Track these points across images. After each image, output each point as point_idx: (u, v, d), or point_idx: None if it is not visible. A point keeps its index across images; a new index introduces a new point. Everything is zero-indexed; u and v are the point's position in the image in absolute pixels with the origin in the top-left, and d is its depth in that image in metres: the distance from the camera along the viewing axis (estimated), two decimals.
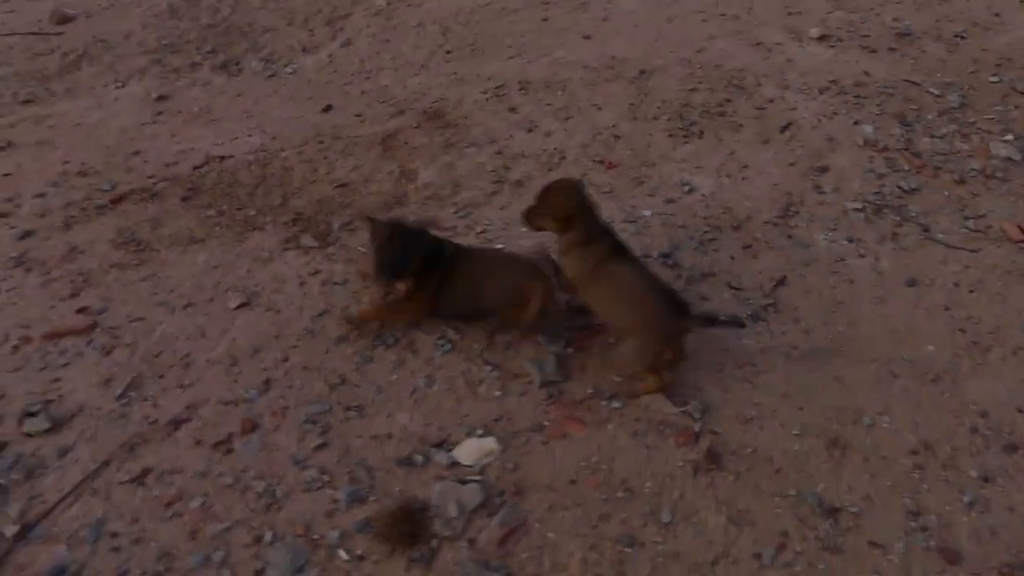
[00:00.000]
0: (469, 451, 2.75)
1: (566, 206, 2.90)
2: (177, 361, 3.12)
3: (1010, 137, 4.35)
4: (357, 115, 4.71)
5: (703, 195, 3.96)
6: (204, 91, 5.08)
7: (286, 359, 3.12)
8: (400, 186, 4.08)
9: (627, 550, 2.51)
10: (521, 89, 4.75)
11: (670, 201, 3.92)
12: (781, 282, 3.47)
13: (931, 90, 4.65)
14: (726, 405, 2.94)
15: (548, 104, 4.62)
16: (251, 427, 2.86)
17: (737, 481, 2.70)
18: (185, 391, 3.00)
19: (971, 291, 3.45)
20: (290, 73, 5.29)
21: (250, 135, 4.54)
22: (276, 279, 3.48)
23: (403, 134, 4.44)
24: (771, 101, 4.54)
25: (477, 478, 2.68)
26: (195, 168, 4.24)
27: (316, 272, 3.51)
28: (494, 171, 4.14)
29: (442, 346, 3.15)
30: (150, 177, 4.18)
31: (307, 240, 3.70)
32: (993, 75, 4.81)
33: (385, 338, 3.17)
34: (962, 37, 5.18)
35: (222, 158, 4.31)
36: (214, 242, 3.71)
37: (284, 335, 3.21)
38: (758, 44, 5.12)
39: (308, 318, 3.28)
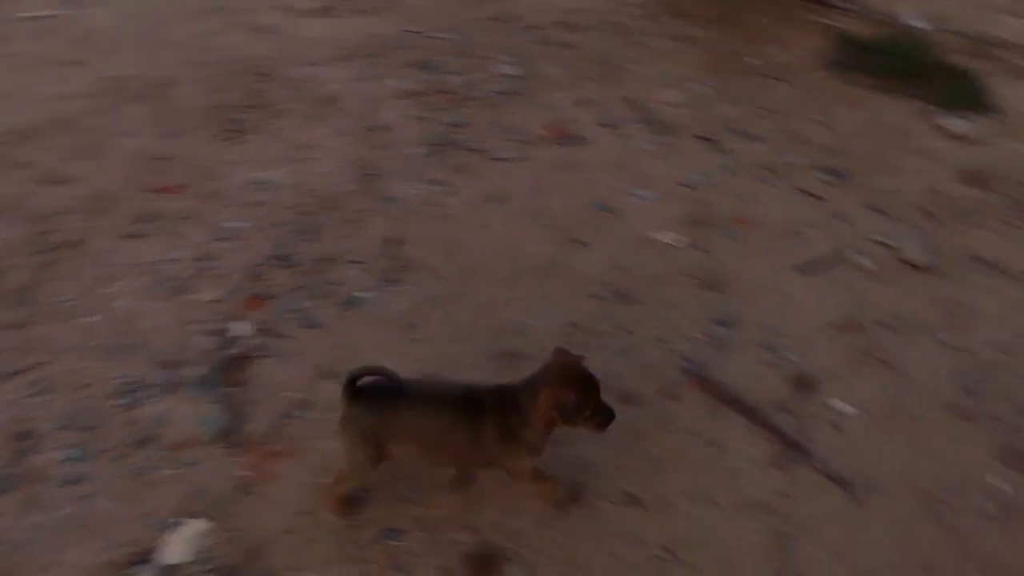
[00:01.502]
0: (179, 546, 2.36)
1: None
2: None
3: (513, 60, 4.99)
4: None
5: (282, 187, 3.83)
6: None
7: None
8: None
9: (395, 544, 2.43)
10: (21, 140, 4.00)
11: (254, 204, 3.71)
12: (397, 242, 3.56)
13: (435, 35, 5.08)
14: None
15: (64, 148, 3.98)
16: None
17: None
18: None
19: (541, 190, 3.94)
20: None
21: None
22: None
23: None
24: (304, 80, 4.52)
25: (206, 568, 2.32)
26: None
27: None
28: (35, 241, 3.46)
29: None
30: None
31: None
32: (488, 16, 5.45)
33: None
34: None
35: None
36: None
37: None
38: (260, 30, 5.03)
39: None
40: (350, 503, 2.51)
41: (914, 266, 3.66)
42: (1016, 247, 3.85)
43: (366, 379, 2.27)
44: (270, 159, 3.98)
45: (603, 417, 2.25)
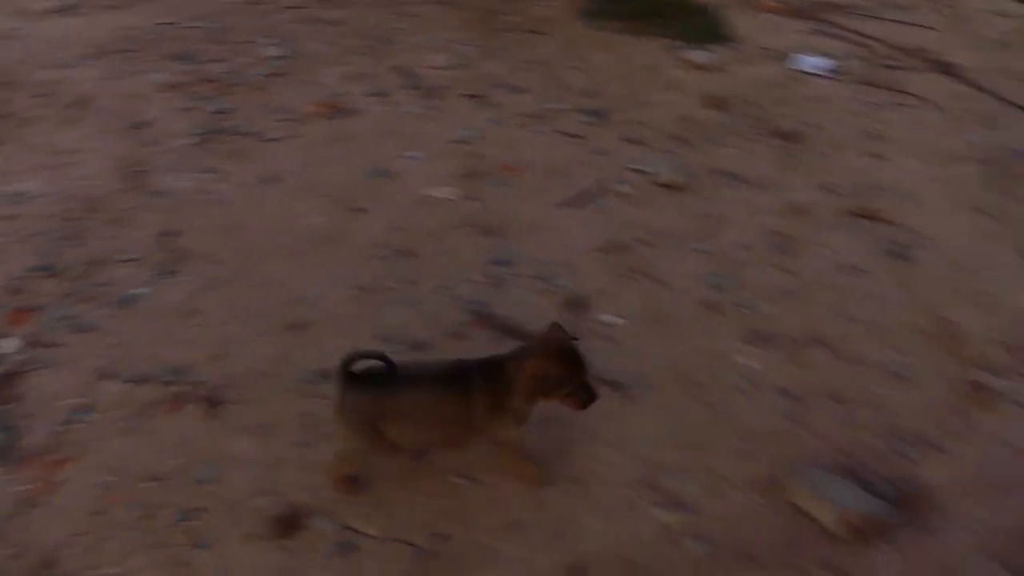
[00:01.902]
0: None
1: None
2: None
3: (276, 41, 4.96)
4: None
5: (39, 197, 3.65)
6: None
7: None
8: None
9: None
10: None
11: (7, 218, 3.53)
12: (172, 234, 3.50)
13: (192, 25, 4.95)
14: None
15: None
16: None
17: None
18: None
19: (311, 164, 3.98)
20: None
21: None
22: None
23: None
24: (53, 83, 4.30)
25: None
26: None
27: None
28: None
29: None
30: None
31: None
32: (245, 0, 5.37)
33: None
34: None
35: None
36: None
37: None
38: None
39: None
40: (354, 482, 2.57)
41: (668, 187, 4.03)
42: (754, 158, 4.32)
43: (360, 364, 2.27)
44: (22, 170, 3.78)
45: (584, 395, 2.33)
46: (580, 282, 3.44)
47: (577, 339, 2.37)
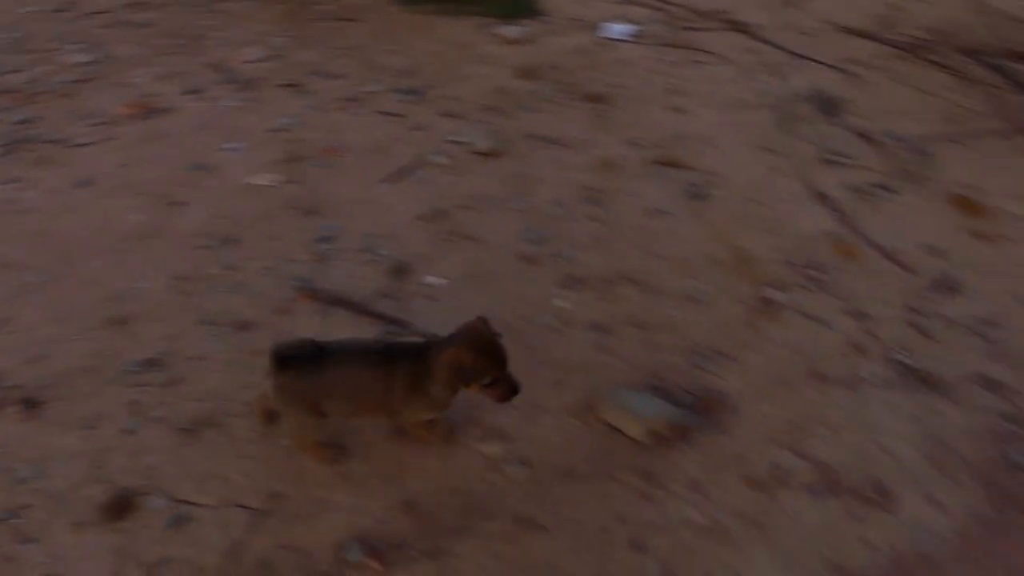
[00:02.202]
0: None
1: None
2: None
3: (83, 47, 4.84)
4: None
5: None
6: None
7: None
8: None
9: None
10: None
11: None
12: None
13: None
14: None
15: None
16: None
17: None
18: None
19: (127, 165, 3.95)
20: None
21: None
22: None
23: None
24: None
25: None
26: None
27: None
28: None
29: None
30: None
31: None
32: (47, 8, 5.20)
33: None
34: None
35: None
36: None
37: None
38: None
39: None
40: (329, 448, 2.71)
41: (485, 154, 4.25)
42: (564, 121, 4.60)
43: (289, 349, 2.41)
44: None
45: (505, 388, 2.39)
46: (403, 250, 3.60)
47: (500, 334, 2.44)
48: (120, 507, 2.54)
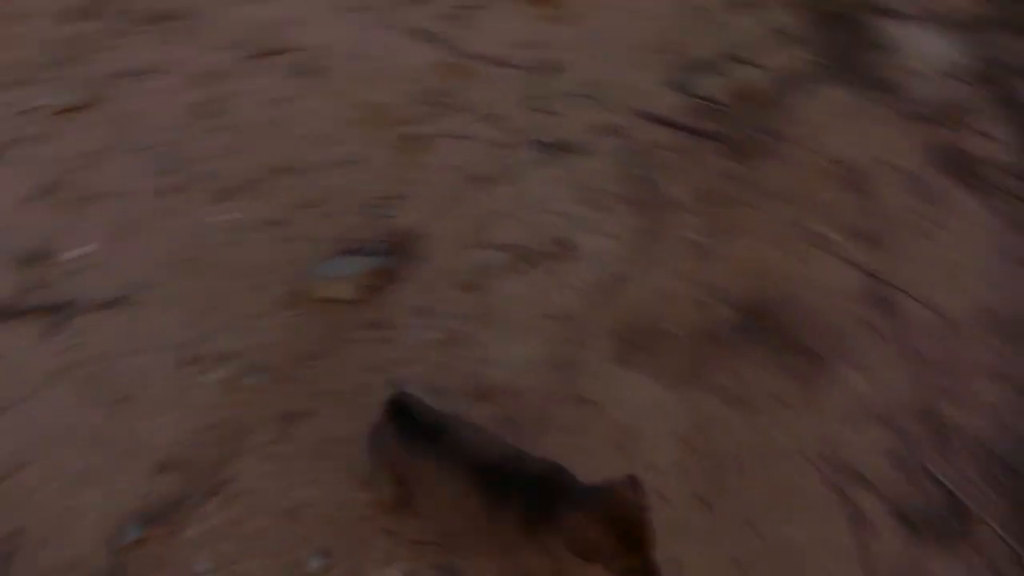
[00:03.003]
0: None
1: None
2: None
3: None
4: None
5: None
6: None
7: None
8: None
9: None
10: None
11: None
12: None
13: None
14: None
15: None
16: None
17: None
18: None
19: None
20: None
21: None
22: None
23: None
24: None
25: None
26: None
27: None
28: None
29: None
30: None
31: None
32: None
33: None
34: None
35: None
36: None
37: None
38: None
39: None
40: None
41: (72, 110, 3.81)
42: (143, 50, 4.23)
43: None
44: None
45: None
46: (27, 237, 3.20)
47: (647, 506, 1.72)
48: None
